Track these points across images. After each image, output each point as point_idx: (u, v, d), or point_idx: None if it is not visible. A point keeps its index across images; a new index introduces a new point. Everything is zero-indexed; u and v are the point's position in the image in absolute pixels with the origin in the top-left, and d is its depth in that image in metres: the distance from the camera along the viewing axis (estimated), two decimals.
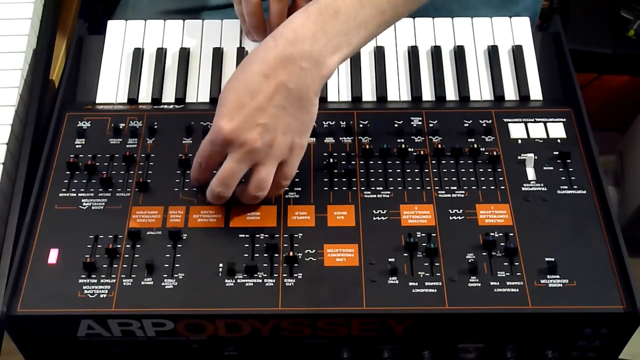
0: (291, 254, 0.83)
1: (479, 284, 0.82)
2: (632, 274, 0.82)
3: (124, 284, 0.82)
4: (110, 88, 1.00)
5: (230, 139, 0.80)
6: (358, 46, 0.83)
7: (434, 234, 0.85)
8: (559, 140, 0.93)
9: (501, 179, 0.90)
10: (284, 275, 0.82)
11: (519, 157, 0.91)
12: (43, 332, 0.83)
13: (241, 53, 1.02)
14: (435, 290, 0.81)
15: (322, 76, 0.81)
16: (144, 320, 0.81)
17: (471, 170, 0.90)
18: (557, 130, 0.94)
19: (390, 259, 0.83)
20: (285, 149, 0.82)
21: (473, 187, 0.89)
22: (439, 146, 0.91)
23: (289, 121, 0.81)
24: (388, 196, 0.88)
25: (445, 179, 0.90)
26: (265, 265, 0.83)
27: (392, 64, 1.01)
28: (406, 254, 0.84)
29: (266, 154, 0.81)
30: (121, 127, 0.94)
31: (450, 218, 0.87)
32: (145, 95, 1.00)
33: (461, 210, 0.87)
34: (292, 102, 0.81)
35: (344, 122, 0.94)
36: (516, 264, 0.83)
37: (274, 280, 0.82)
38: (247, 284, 0.82)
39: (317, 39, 0.80)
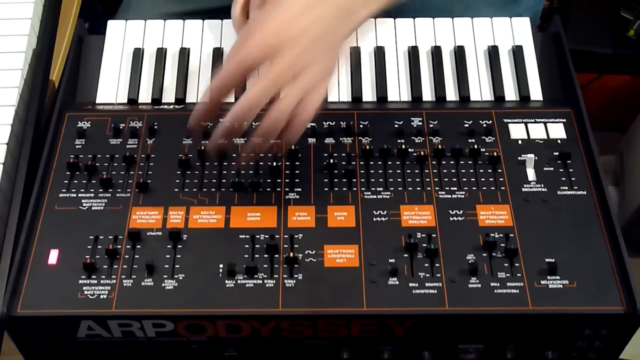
0: (291, 254, 0.83)
1: (479, 285, 0.81)
2: (632, 274, 0.82)
3: (124, 284, 0.82)
4: (110, 88, 1.00)
5: (274, 42, 0.80)
6: (386, 5, 0.90)
7: (434, 235, 0.85)
8: (559, 141, 0.93)
9: (501, 179, 0.90)
10: (284, 276, 0.82)
11: (519, 158, 0.91)
12: (43, 332, 0.83)
13: None
14: (436, 291, 0.81)
15: (351, 25, 0.87)
16: (144, 321, 0.81)
17: (471, 171, 0.90)
18: (558, 130, 0.94)
19: (390, 260, 0.83)
20: (308, 83, 0.82)
21: (473, 188, 0.89)
22: (439, 147, 0.91)
23: (318, 56, 0.83)
24: (388, 197, 0.88)
25: (446, 179, 0.90)
26: (266, 266, 0.83)
27: (392, 64, 1.01)
28: (406, 255, 0.84)
29: (291, 83, 0.81)
30: (121, 127, 0.94)
31: (451, 219, 0.86)
32: (145, 95, 0.99)
33: (461, 211, 0.87)
34: (322, 41, 0.83)
35: (344, 123, 0.94)
36: (516, 264, 0.83)
37: (274, 281, 0.82)
38: (247, 285, 0.82)
39: None
